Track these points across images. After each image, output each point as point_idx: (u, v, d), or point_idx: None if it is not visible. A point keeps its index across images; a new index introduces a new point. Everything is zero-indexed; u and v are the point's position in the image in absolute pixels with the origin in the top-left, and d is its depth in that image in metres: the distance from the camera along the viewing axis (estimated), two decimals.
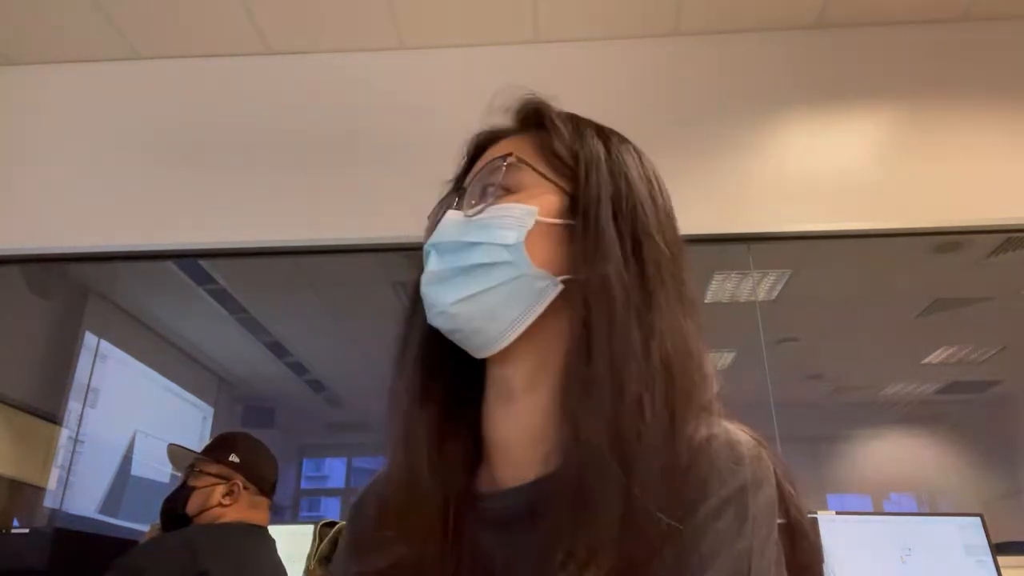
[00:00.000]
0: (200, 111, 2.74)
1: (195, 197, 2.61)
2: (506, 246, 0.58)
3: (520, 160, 0.62)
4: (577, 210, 0.60)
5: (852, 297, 2.98)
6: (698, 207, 2.49)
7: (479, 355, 0.61)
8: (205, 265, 2.91)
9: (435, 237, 0.61)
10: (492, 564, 0.56)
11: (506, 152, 0.63)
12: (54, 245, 2.60)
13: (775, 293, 2.78)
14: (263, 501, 1.77)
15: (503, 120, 0.69)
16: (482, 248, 0.59)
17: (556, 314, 0.59)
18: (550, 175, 0.62)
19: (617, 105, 2.63)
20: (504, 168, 0.61)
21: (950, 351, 3.23)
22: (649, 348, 0.55)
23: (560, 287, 0.59)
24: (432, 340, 0.63)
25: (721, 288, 2.77)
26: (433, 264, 0.60)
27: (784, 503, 0.56)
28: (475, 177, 0.64)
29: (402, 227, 2.51)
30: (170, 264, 2.83)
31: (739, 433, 0.56)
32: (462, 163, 0.70)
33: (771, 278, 2.74)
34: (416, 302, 0.64)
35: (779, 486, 0.56)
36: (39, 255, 2.63)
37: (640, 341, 0.55)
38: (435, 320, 0.60)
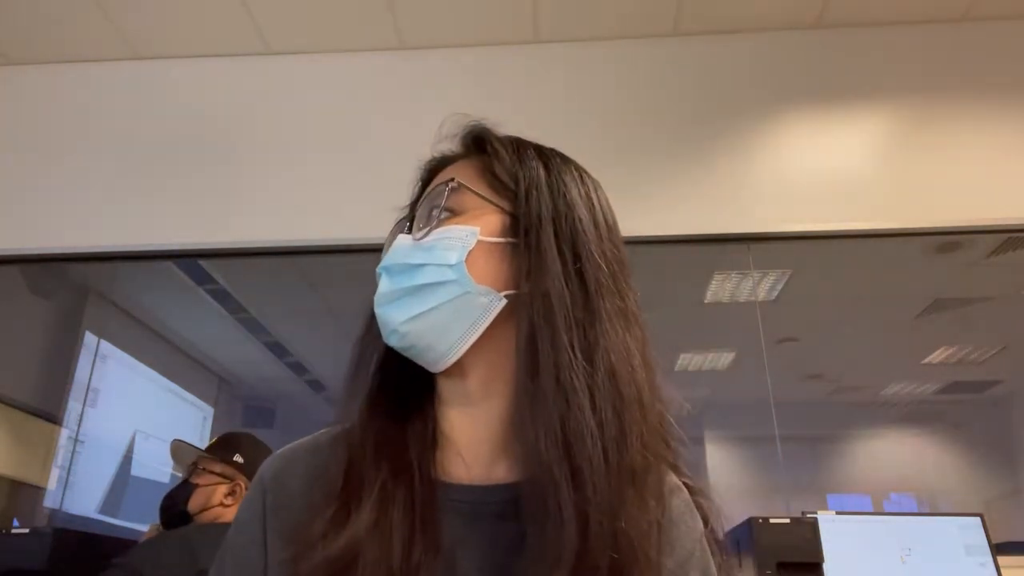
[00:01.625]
0: (200, 111, 2.74)
1: (195, 197, 2.61)
2: (450, 265, 0.62)
3: (462, 184, 0.66)
4: (519, 229, 0.63)
5: (852, 297, 2.98)
6: (698, 207, 2.49)
7: (434, 369, 0.64)
8: (205, 265, 2.90)
9: (385, 260, 0.65)
10: (453, 553, 0.58)
11: (449, 177, 0.66)
12: (54, 245, 2.60)
13: (775, 293, 2.78)
14: None
15: (452, 146, 0.72)
16: (427, 269, 0.62)
17: (505, 328, 0.62)
18: (491, 197, 0.66)
19: (617, 105, 2.64)
20: (447, 192, 0.65)
21: (950, 351, 3.23)
22: (593, 360, 0.59)
23: (503, 302, 0.62)
24: (389, 353, 0.66)
25: (721, 288, 2.77)
26: (384, 286, 0.64)
27: (722, 544, 0.66)
28: (422, 202, 0.68)
29: None
30: (170, 264, 2.83)
31: (681, 483, 0.65)
32: (415, 189, 0.74)
33: (771, 278, 2.74)
34: (372, 319, 0.67)
35: (714, 530, 0.66)
36: (39, 255, 2.63)
37: (583, 354, 0.59)
38: (389, 339, 0.63)
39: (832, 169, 2.51)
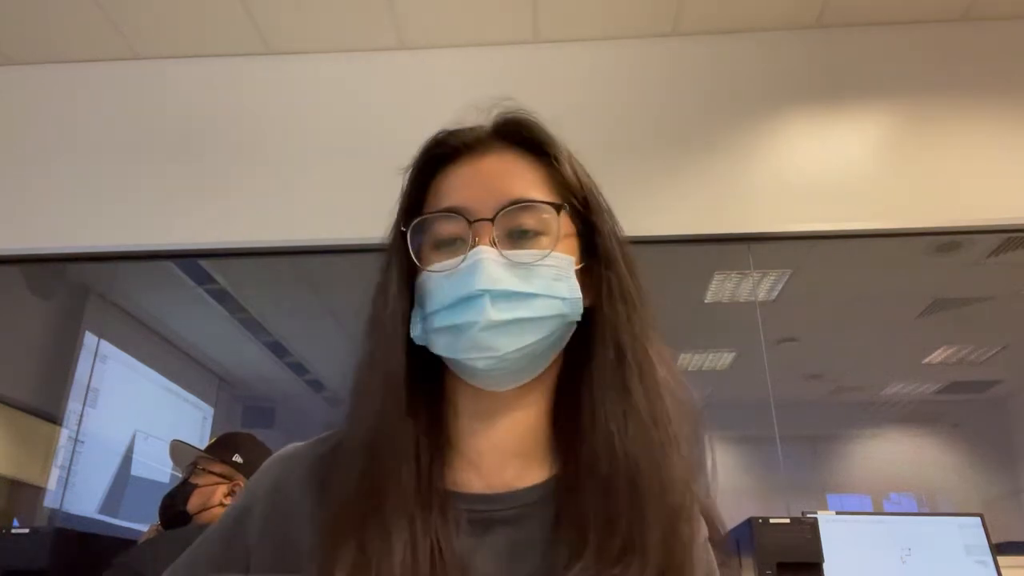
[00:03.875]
0: (200, 111, 2.74)
1: (195, 197, 2.61)
2: (562, 299, 0.61)
3: (558, 207, 0.63)
4: (597, 251, 0.64)
5: (852, 297, 2.98)
6: (698, 207, 2.49)
7: (497, 389, 0.62)
8: (205, 265, 2.90)
9: (486, 283, 0.59)
10: (466, 563, 0.57)
11: (529, 186, 0.63)
12: (54, 245, 2.60)
13: (775, 293, 2.78)
14: None
15: (476, 119, 0.68)
16: (541, 300, 0.60)
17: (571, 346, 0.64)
18: (571, 216, 0.64)
19: (617, 105, 2.64)
20: (558, 220, 0.62)
21: (950, 351, 3.23)
22: (645, 373, 0.61)
23: (591, 324, 0.63)
24: (409, 351, 0.63)
25: (721, 288, 2.77)
26: (490, 313, 0.59)
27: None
28: (505, 210, 0.62)
29: None
30: (170, 264, 2.83)
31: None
32: (434, 154, 0.68)
33: (771, 278, 2.74)
34: (390, 313, 0.64)
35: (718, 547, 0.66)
36: (39, 255, 2.63)
37: (639, 368, 0.61)
38: (479, 362, 0.60)
39: (832, 169, 2.51)
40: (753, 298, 2.70)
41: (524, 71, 2.70)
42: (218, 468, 1.76)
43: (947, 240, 2.58)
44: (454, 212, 0.62)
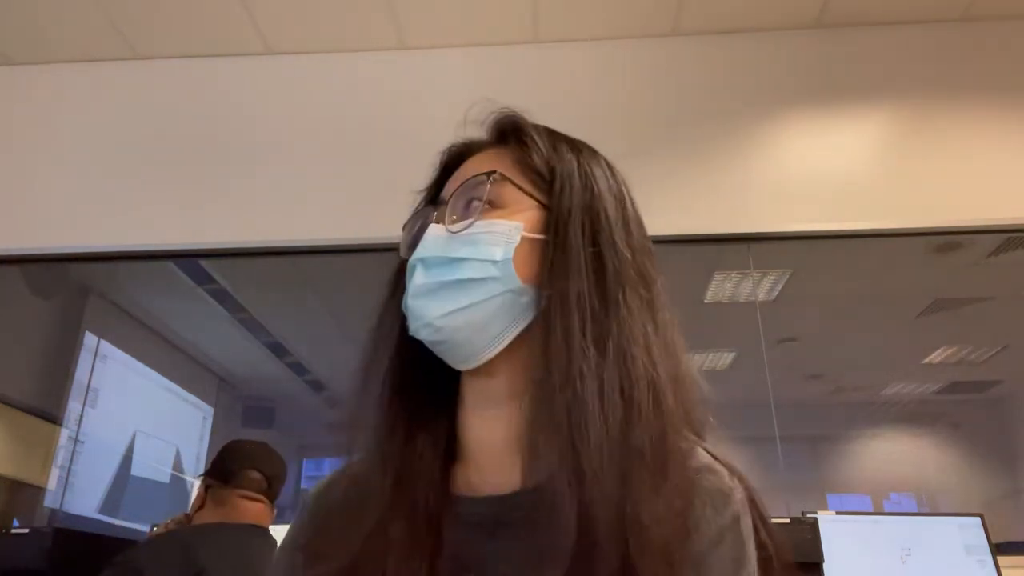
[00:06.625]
0: (200, 111, 2.74)
1: (195, 197, 2.61)
2: (494, 262, 0.60)
3: (504, 177, 0.63)
4: (550, 225, 0.62)
5: (852, 297, 2.98)
6: (698, 207, 2.49)
7: (461, 367, 0.62)
8: (205, 265, 2.90)
9: (420, 251, 0.62)
10: (467, 568, 0.57)
11: (489, 167, 0.64)
12: (54, 245, 2.60)
13: (775, 293, 2.78)
14: (230, 493, 1.71)
15: (477, 132, 0.70)
16: (469, 263, 0.60)
17: (534, 326, 0.60)
18: (531, 190, 0.63)
19: (617, 105, 2.63)
20: (489, 184, 0.62)
21: (950, 351, 3.23)
22: (604, 348, 0.57)
23: (544, 302, 0.59)
24: (406, 349, 0.64)
25: (721, 288, 2.77)
26: (419, 278, 0.61)
27: (763, 530, 0.58)
28: (456, 190, 0.65)
29: (402, 227, 2.51)
30: (170, 264, 2.83)
31: (716, 463, 0.59)
32: (435, 174, 0.71)
33: (771, 278, 2.74)
34: (387, 310, 0.66)
35: (762, 517, 0.59)
36: (39, 255, 2.63)
37: (594, 343, 0.57)
38: (420, 332, 0.61)
39: (832, 169, 2.51)
40: (753, 298, 2.70)
41: (524, 71, 2.70)
42: (198, 488, 1.79)
43: (947, 240, 2.58)
44: (432, 204, 0.66)
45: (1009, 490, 3.37)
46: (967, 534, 1.94)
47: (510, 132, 0.68)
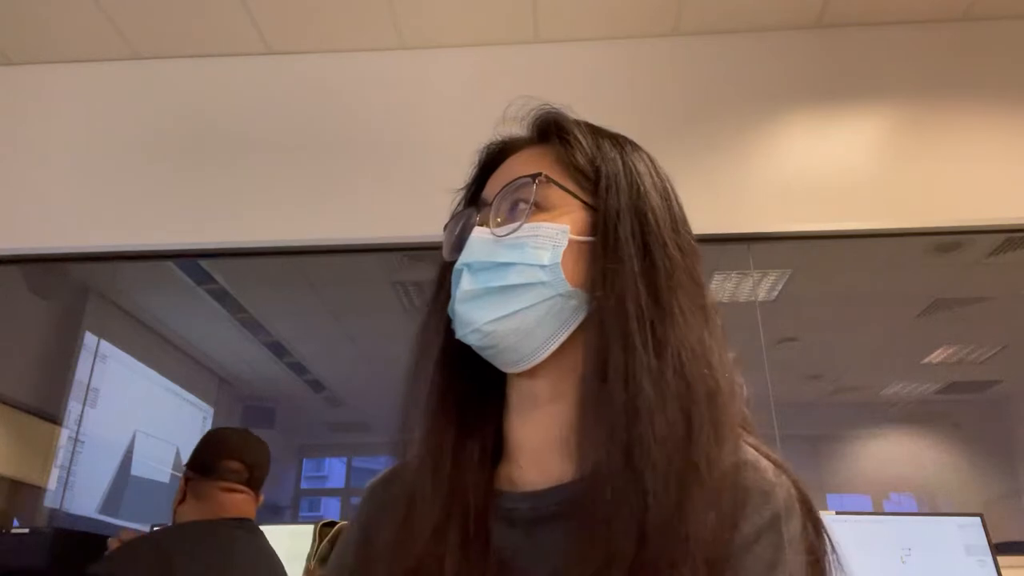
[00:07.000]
0: (200, 111, 2.74)
1: (195, 197, 2.61)
2: (542, 266, 0.59)
3: (549, 179, 0.62)
4: (598, 226, 0.61)
5: (852, 297, 2.98)
6: (698, 207, 2.47)
7: (510, 371, 0.62)
8: (205, 265, 2.91)
9: (466, 256, 0.61)
10: (512, 563, 0.57)
11: (532, 167, 0.63)
12: (54, 245, 2.59)
13: (775, 293, 2.78)
14: (211, 486, 1.67)
15: (515, 130, 0.69)
16: (517, 268, 0.59)
17: (581, 329, 0.60)
18: (576, 192, 0.62)
19: (617, 105, 2.63)
20: (535, 186, 0.61)
21: (950, 351, 3.23)
22: (664, 358, 0.56)
23: (592, 304, 0.59)
24: (451, 349, 0.64)
25: (721, 288, 2.77)
26: (466, 283, 0.60)
27: (812, 532, 0.57)
28: (500, 192, 0.63)
29: (402, 227, 2.51)
30: (170, 264, 2.83)
31: (762, 460, 0.57)
32: (474, 173, 0.70)
33: (771, 278, 2.74)
34: (433, 311, 0.66)
35: (812, 517, 0.58)
36: (39, 255, 2.63)
37: (654, 352, 0.56)
38: (468, 338, 0.61)
39: (832, 169, 2.51)
40: (753, 298, 2.70)
41: (524, 71, 2.70)
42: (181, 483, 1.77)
43: (947, 240, 2.58)
44: (473, 205, 0.65)
45: (1009, 490, 3.37)
46: (967, 534, 1.93)
47: (552, 130, 0.67)
